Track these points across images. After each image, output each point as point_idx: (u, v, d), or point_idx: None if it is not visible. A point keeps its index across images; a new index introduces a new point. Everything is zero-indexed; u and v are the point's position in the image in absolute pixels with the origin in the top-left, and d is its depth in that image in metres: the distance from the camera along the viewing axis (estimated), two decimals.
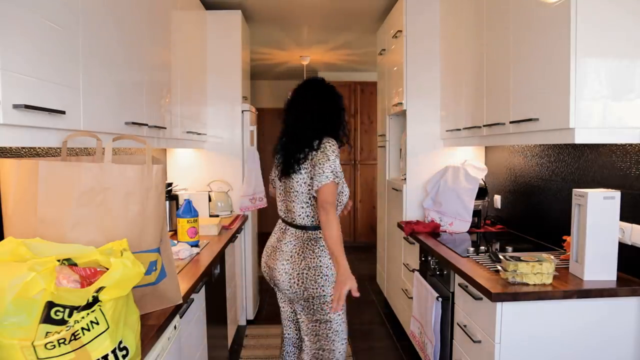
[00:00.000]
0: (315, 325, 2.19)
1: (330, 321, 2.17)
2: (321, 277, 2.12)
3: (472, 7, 2.72)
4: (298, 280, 2.12)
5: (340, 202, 2.17)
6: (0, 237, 1.43)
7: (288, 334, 2.38)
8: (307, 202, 2.13)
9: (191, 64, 3.20)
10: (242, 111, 3.81)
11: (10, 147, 1.68)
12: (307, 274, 2.12)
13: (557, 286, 1.82)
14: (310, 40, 5.11)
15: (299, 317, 2.24)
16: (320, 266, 2.12)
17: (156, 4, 2.37)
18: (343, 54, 5.81)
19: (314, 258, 2.13)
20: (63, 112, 1.35)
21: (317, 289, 2.11)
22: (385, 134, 4.00)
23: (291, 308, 2.32)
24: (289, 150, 2.13)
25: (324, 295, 2.13)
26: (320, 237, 2.14)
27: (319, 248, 2.13)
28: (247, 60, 4.24)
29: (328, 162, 2.03)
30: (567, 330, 1.81)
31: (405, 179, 3.46)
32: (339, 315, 2.18)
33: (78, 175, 1.37)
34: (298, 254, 2.13)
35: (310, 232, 2.15)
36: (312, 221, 2.15)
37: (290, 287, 2.14)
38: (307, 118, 2.14)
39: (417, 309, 2.71)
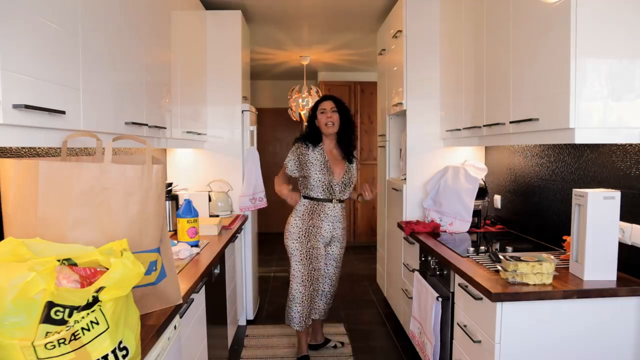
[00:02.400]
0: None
1: (290, 267, 3.10)
2: (286, 232, 3.08)
3: (472, 7, 2.72)
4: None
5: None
6: (0, 237, 1.43)
7: None
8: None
9: (191, 64, 3.20)
10: (242, 111, 3.81)
11: (10, 147, 1.68)
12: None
13: (557, 286, 1.82)
14: (310, 40, 5.11)
15: None
16: (286, 224, 3.11)
17: (156, 4, 2.37)
18: (343, 54, 5.81)
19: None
20: (63, 112, 1.35)
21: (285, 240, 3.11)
22: (385, 134, 4.00)
23: None
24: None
25: (287, 246, 3.08)
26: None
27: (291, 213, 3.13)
28: (247, 60, 4.24)
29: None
30: (567, 330, 1.81)
31: (405, 179, 3.46)
32: (296, 264, 3.05)
33: (78, 175, 1.37)
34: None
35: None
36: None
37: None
38: None
39: (417, 309, 2.71)
